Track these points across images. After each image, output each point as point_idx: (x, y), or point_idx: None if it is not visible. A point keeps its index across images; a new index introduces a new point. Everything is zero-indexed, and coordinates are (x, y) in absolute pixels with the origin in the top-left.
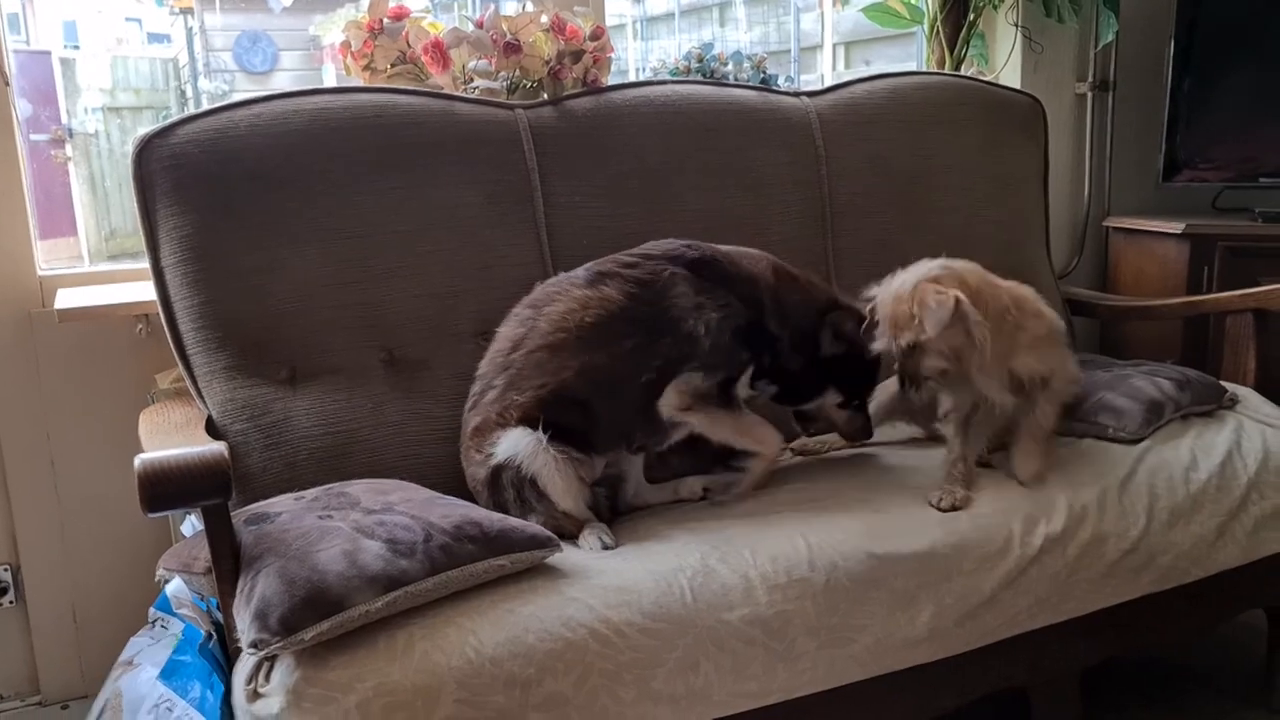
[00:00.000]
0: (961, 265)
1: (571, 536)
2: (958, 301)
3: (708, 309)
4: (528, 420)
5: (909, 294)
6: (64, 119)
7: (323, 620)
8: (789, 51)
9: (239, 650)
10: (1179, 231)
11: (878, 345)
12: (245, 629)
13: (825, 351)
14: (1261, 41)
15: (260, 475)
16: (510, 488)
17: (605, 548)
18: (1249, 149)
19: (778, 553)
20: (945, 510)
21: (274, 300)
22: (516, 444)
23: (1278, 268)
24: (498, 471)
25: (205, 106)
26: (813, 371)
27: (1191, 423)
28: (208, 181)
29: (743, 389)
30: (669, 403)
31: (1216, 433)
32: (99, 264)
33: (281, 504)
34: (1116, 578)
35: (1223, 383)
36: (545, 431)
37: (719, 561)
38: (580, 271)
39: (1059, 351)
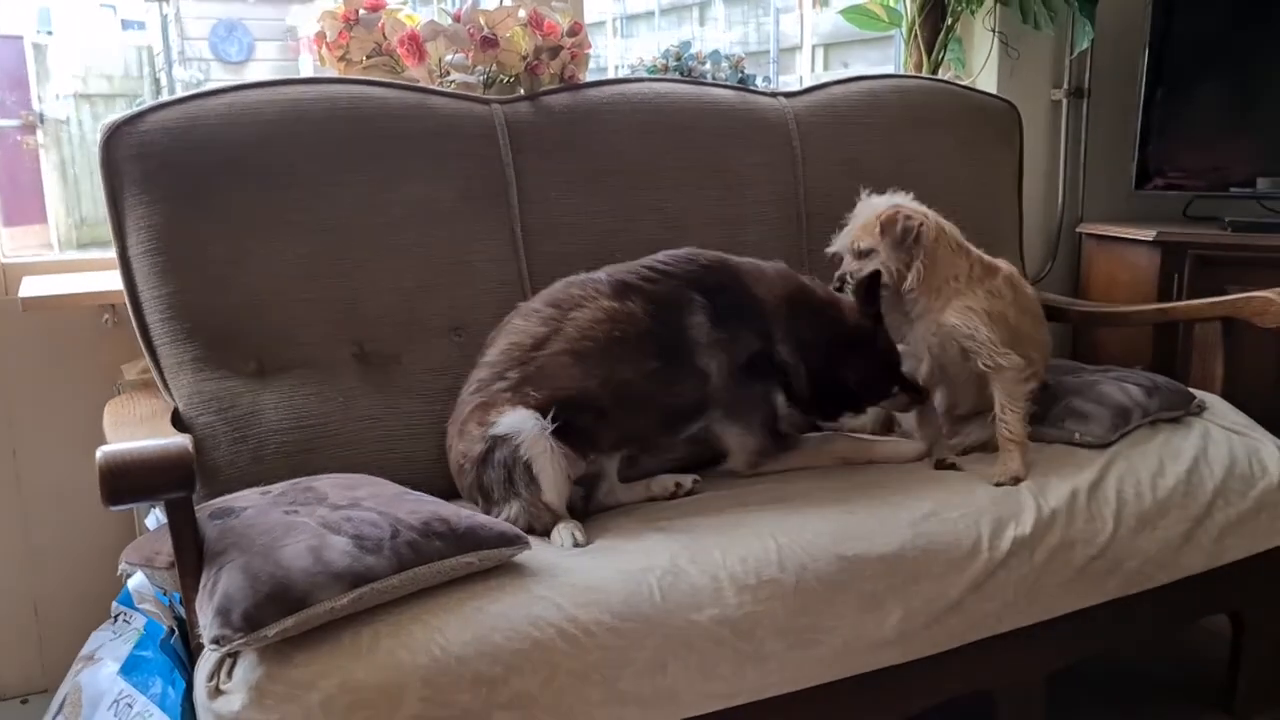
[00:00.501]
0: (942, 220)
1: (545, 531)
2: (920, 225)
3: (719, 348)
4: (539, 410)
5: (883, 209)
6: (35, 105)
7: (287, 616)
8: (768, 52)
9: (201, 646)
10: (1150, 239)
11: (835, 245)
12: (207, 625)
13: (846, 378)
14: (1231, 54)
15: (227, 469)
16: (501, 467)
17: (576, 545)
18: (1218, 159)
19: (747, 553)
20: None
21: (243, 292)
22: (522, 424)
23: (1246, 277)
24: (493, 447)
25: (164, 98)
26: (835, 391)
27: (1159, 429)
28: (177, 170)
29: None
30: (736, 465)
31: (1184, 439)
32: (68, 252)
33: (247, 498)
34: (1083, 582)
35: (1191, 389)
36: (552, 424)
37: (689, 562)
38: (603, 277)
39: (1026, 334)
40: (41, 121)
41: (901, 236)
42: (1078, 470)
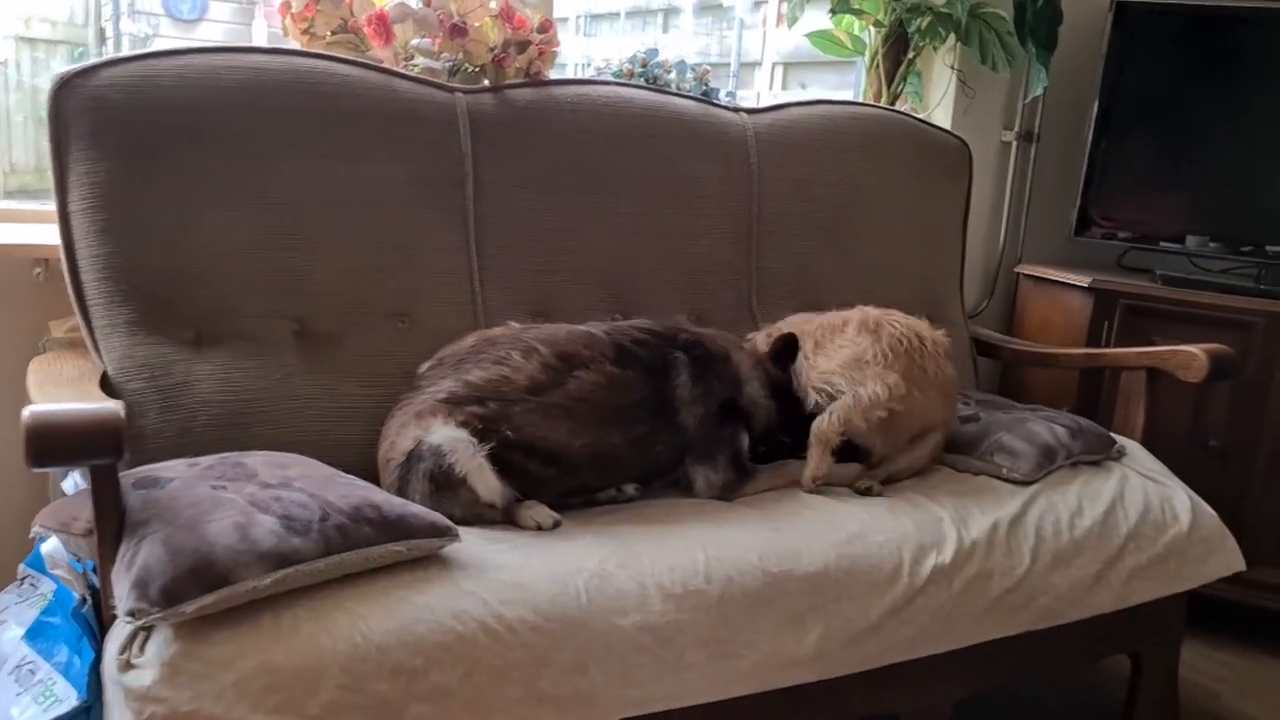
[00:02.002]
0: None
1: (495, 523)
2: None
3: (698, 403)
4: (509, 449)
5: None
6: None
7: (207, 593)
8: (729, 65)
9: (114, 618)
10: (1085, 285)
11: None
12: (123, 597)
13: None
14: (1173, 114)
15: (154, 438)
16: (427, 479)
17: (557, 523)
18: (1153, 213)
19: (676, 563)
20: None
21: (186, 259)
22: (455, 441)
23: (1172, 329)
24: (420, 456)
25: (126, 50)
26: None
27: (1080, 470)
28: (127, 129)
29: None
30: (701, 494)
31: (1103, 482)
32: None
33: (174, 469)
34: (997, 614)
35: (1112, 434)
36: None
37: (618, 566)
38: (603, 336)
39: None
40: None
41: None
42: (1000, 504)
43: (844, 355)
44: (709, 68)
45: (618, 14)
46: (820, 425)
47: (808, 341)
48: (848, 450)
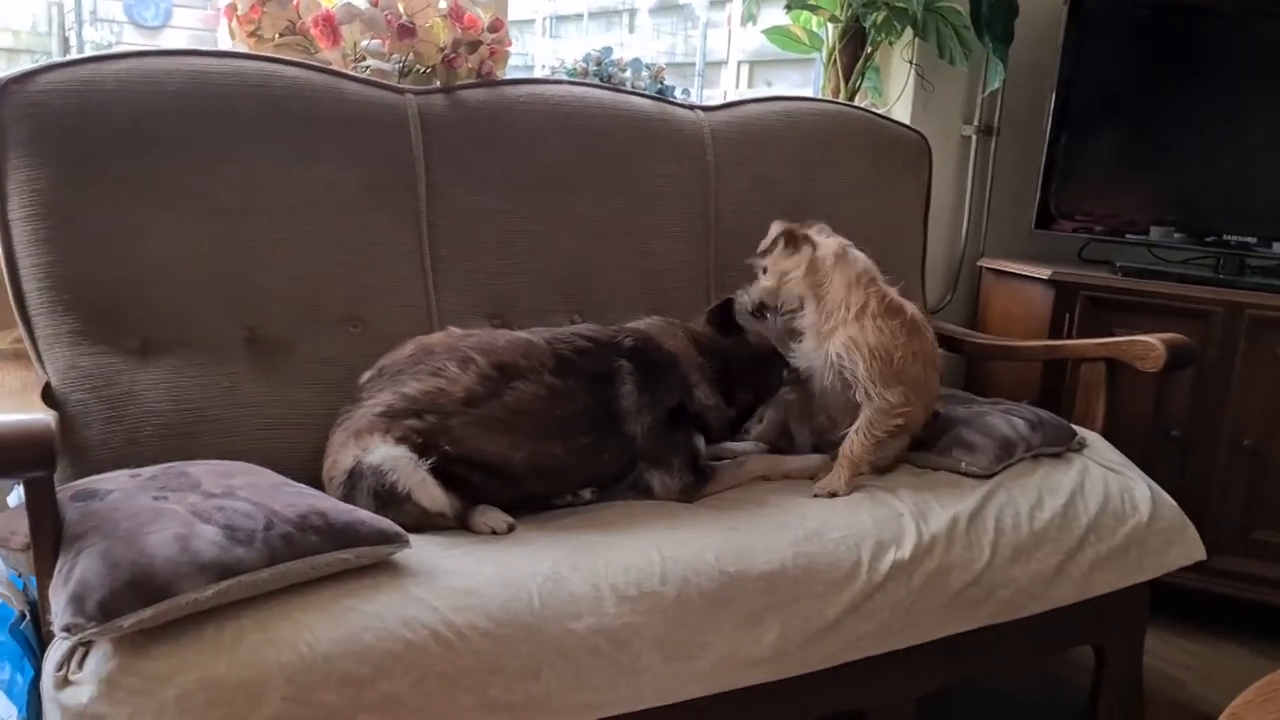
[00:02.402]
0: (854, 252)
1: (449, 528)
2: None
3: (644, 413)
4: (447, 461)
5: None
6: None
7: (145, 607)
8: (695, 65)
9: (53, 634)
10: (1045, 278)
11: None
12: (59, 612)
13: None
14: (1131, 106)
15: (99, 449)
16: (372, 496)
17: (511, 527)
18: (1113, 205)
19: (630, 564)
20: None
21: (130, 266)
22: (396, 459)
23: (1133, 320)
24: (362, 475)
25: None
26: (745, 410)
27: (1041, 462)
28: (68, 135)
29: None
30: (659, 496)
31: (1063, 474)
32: None
33: (115, 481)
34: (958, 608)
35: (1073, 426)
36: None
37: (571, 569)
38: (543, 345)
39: (912, 378)
40: None
41: (790, 253)
42: (959, 498)
43: (870, 339)
44: (664, 66)
45: (581, 15)
46: (852, 449)
47: (802, 284)
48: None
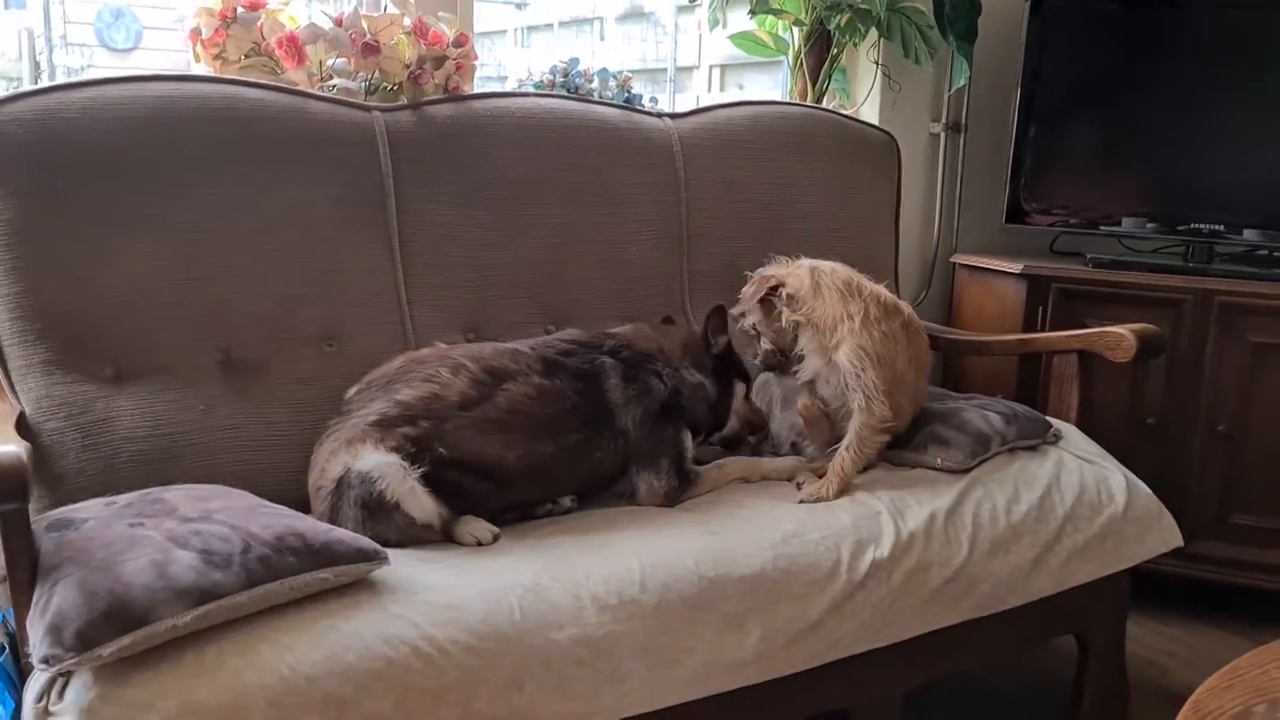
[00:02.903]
0: (821, 264)
1: (433, 542)
2: (779, 285)
3: (634, 404)
4: (441, 467)
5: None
6: None
7: (124, 635)
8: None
9: (33, 666)
10: (1017, 271)
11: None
12: (37, 643)
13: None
14: (1098, 97)
15: (75, 477)
16: (359, 506)
17: (496, 537)
18: (1083, 197)
19: (610, 573)
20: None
21: (101, 293)
22: (386, 465)
23: (1105, 311)
24: (349, 483)
25: (43, 84)
26: (720, 402)
27: (1017, 456)
28: (32, 165)
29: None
30: (644, 501)
31: (1039, 466)
32: None
33: (90, 510)
34: (938, 604)
35: (1048, 418)
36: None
37: (552, 580)
38: (528, 350)
39: (907, 383)
40: None
41: (761, 299)
42: (936, 495)
43: (877, 347)
44: (630, 75)
45: (551, 25)
46: (844, 466)
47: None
48: None
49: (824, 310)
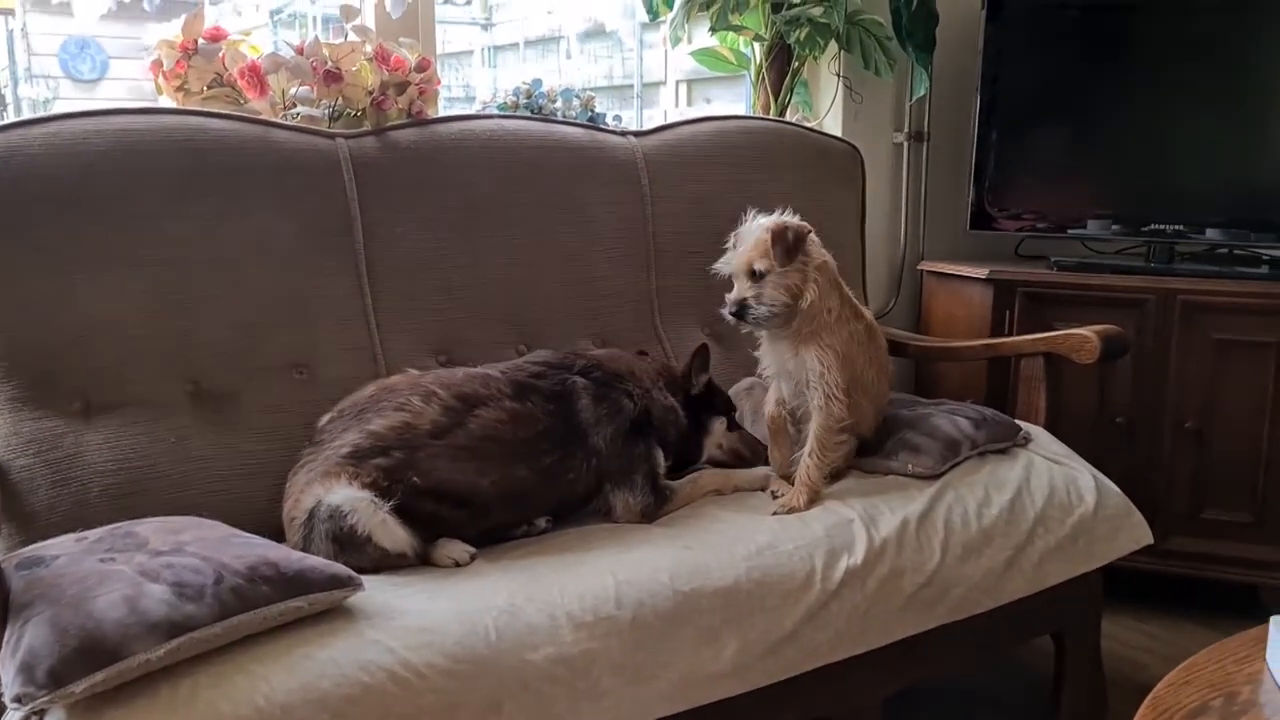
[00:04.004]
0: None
1: (411, 566)
2: (809, 231)
3: (605, 423)
4: (416, 496)
5: (773, 225)
6: None
7: (96, 671)
8: (634, 86)
9: (5, 706)
10: (983, 276)
11: (725, 268)
12: (9, 683)
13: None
14: (1058, 101)
15: (47, 513)
16: (330, 540)
17: (473, 557)
18: (1047, 201)
19: (585, 591)
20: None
21: (67, 328)
22: (356, 500)
23: (1070, 313)
24: (320, 516)
25: (26, 114)
26: (694, 435)
27: (987, 459)
28: None
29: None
30: (621, 519)
31: (1009, 469)
32: None
33: (60, 546)
34: (913, 610)
35: (1017, 421)
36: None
37: (526, 600)
38: (498, 375)
39: (867, 385)
40: None
41: (794, 244)
42: (908, 501)
43: (840, 346)
44: (593, 94)
45: (518, 44)
46: (809, 474)
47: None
48: None
49: (819, 294)
